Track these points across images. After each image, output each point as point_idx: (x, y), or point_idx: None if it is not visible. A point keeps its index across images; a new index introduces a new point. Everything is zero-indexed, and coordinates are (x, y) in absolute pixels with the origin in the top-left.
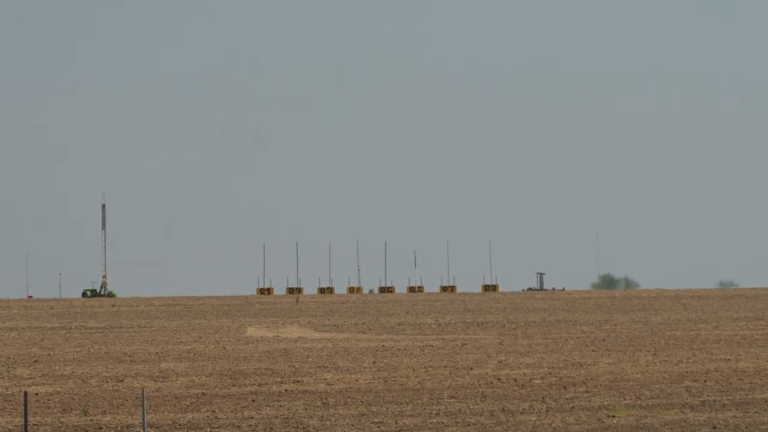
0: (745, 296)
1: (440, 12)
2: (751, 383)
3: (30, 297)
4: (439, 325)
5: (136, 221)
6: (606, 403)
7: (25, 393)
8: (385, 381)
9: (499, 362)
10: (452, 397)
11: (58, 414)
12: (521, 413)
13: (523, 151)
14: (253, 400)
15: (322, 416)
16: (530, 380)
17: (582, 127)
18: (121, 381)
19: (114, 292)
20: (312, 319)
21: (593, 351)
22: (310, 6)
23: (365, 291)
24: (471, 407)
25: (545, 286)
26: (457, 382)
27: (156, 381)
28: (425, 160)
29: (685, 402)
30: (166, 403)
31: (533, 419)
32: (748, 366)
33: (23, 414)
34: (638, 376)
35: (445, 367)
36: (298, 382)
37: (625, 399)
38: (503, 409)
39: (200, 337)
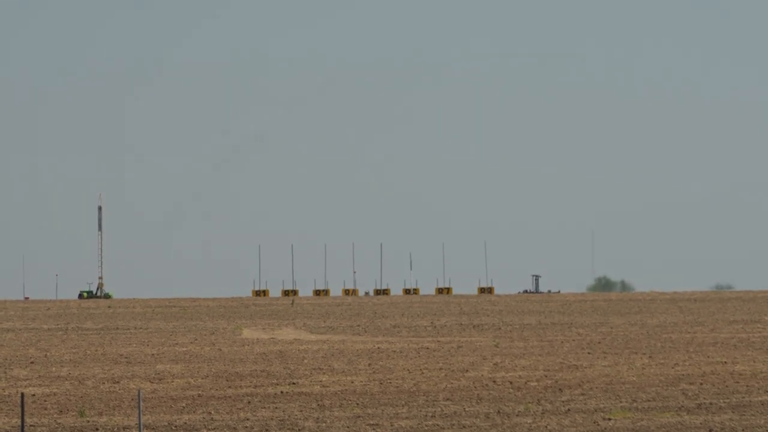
0: (741, 299)
1: (439, 15)
2: (747, 386)
3: (26, 298)
4: (435, 327)
5: (132, 223)
6: (602, 405)
7: (22, 394)
8: (381, 383)
9: (494, 365)
10: (448, 399)
11: (55, 415)
12: (517, 416)
13: (519, 154)
14: (249, 402)
15: (318, 418)
16: (526, 383)
17: (578, 130)
18: (118, 382)
19: (110, 294)
20: (307, 321)
21: (589, 354)
22: (310, 6)
23: (361, 293)
24: (466, 409)
25: (541, 289)
26: (452, 384)
27: (152, 382)
28: (421, 163)
29: (681, 405)
30: (162, 405)
31: (529, 422)
32: (744, 369)
33: (20, 415)
34: (634, 378)
35: (441, 369)
36: (294, 383)
37: (620, 402)
38: (499, 412)
39: (196, 339)
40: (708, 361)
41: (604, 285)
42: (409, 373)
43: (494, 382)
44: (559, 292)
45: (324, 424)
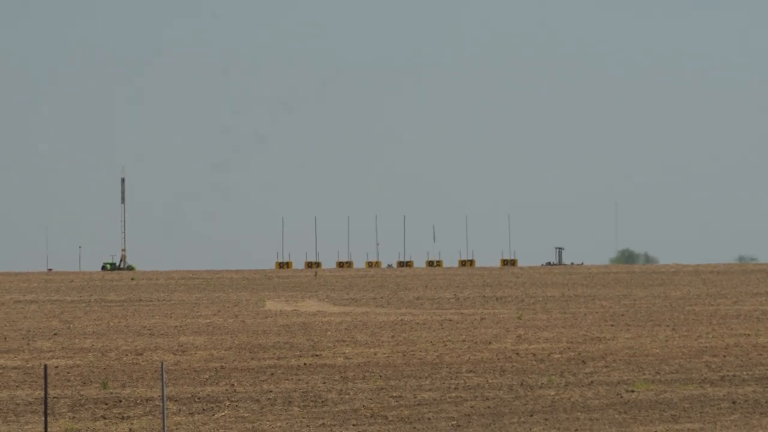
0: (764, 271)
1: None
2: None
3: (50, 270)
4: (458, 299)
5: (155, 194)
6: (625, 377)
7: (45, 366)
8: (404, 355)
9: (517, 337)
10: (471, 371)
11: (78, 387)
12: (540, 387)
13: (542, 126)
14: (272, 374)
15: (341, 390)
16: (549, 355)
17: (601, 102)
18: (141, 354)
19: (133, 266)
20: (330, 293)
21: (612, 326)
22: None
23: (384, 265)
24: (489, 381)
25: (564, 261)
26: (475, 356)
27: (175, 354)
28: (444, 135)
29: (704, 377)
30: (185, 377)
31: (552, 393)
32: (767, 341)
33: (43, 386)
34: (657, 351)
35: (464, 341)
36: (317, 355)
37: (644, 374)
38: (522, 384)
39: (219, 311)
40: (731, 333)
41: (627, 257)
42: (432, 345)
43: (517, 354)
44: (582, 264)
45: (347, 396)
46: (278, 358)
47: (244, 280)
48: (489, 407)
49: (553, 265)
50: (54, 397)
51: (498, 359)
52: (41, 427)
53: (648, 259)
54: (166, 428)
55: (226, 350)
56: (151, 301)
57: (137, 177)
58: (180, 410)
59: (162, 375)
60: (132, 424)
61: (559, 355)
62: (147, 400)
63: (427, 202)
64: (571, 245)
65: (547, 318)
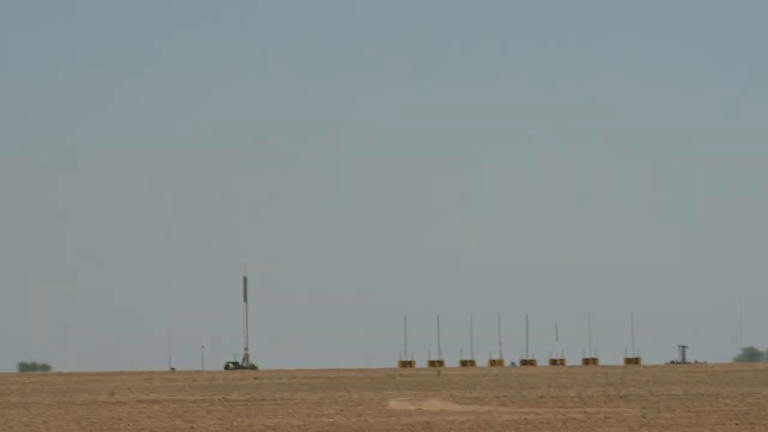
0: None
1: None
2: None
3: (172, 369)
4: (581, 398)
5: (276, 293)
6: None
7: None
8: None
9: None
10: None
11: None
12: None
13: (665, 226)
14: None
15: None
16: None
17: (720, 198)
18: None
19: (256, 365)
20: (454, 391)
21: (737, 425)
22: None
23: (507, 363)
24: None
25: (687, 359)
26: None
27: None
28: (566, 233)
29: None
30: None
31: None
32: None
33: None
34: None
35: None
36: None
37: None
38: None
39: (342, 410)
40: None
41: (751, 355)
42: None
43: None
44: (705, 362)
45: None
46: None
47: (367, 379)
48: None
49: (677, 363)
50: None
51: None
52: None
53: None
54: None
55: None
56: (274, 400)
57: (258, 275)
58: None
59: None
60: None
61: None
62: None
63: (549, 300)
64: (695, 343)
65: (672, 417)
